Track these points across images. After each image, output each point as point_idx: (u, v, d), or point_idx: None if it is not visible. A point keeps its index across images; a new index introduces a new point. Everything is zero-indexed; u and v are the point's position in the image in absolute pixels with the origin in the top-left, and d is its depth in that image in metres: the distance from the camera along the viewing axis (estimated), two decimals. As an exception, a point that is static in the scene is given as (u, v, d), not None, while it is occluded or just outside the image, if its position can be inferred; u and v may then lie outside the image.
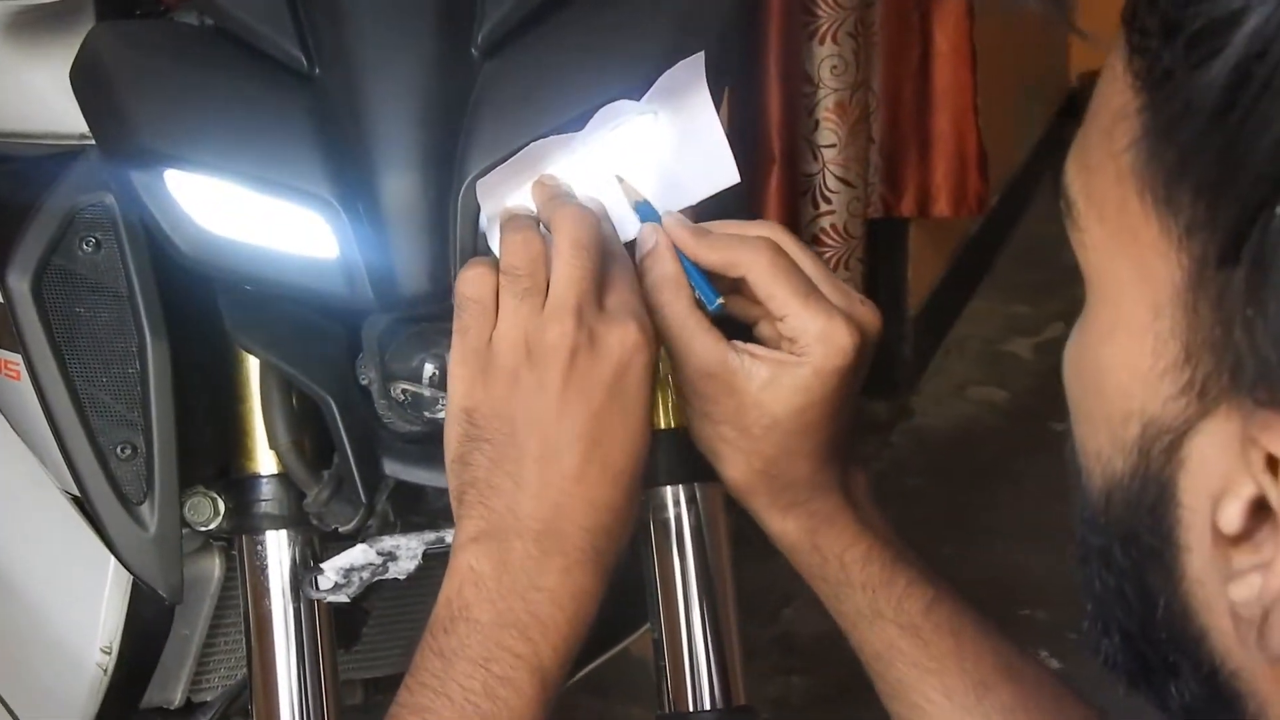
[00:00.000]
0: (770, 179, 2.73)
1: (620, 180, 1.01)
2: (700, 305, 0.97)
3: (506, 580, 0.86)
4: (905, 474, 3.26)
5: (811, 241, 2.80)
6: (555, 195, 0.97)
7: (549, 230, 0.95)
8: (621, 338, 0.90)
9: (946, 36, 3.20)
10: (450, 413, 0.91)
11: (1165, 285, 0.53)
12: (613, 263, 0.94)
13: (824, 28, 2.74)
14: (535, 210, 0.98)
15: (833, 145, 2.80)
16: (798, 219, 2.79)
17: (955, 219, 3.41)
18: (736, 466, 0.98)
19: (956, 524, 3.03)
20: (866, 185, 2.96)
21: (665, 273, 0.96)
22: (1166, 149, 0.52)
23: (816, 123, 2.79)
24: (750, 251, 0.96)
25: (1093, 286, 0.59)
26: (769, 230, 0.99)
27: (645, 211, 1.00)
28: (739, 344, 0.96)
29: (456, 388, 0.91)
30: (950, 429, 3.37)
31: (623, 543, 0.92)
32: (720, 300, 0.97)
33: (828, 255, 2.83)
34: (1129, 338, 0.55)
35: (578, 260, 0.91)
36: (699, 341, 0.95)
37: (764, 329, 0.99)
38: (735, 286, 0.98)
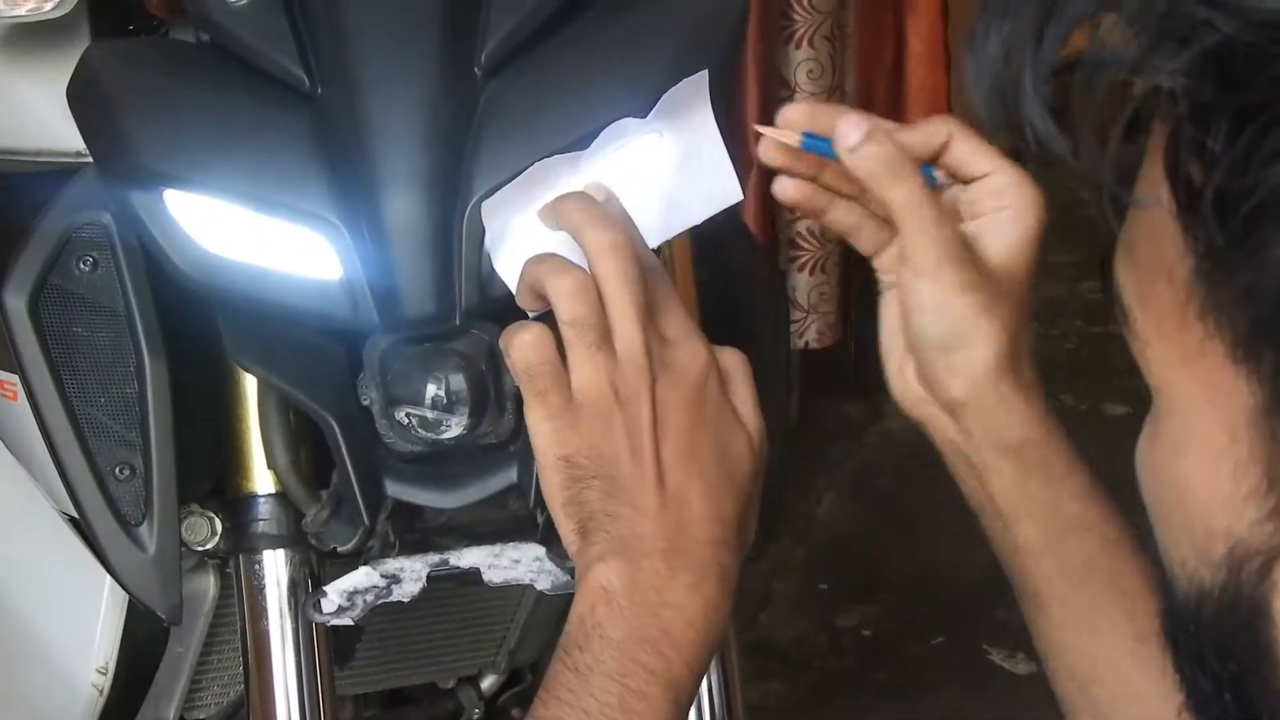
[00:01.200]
0: (748, 183, 2.72)
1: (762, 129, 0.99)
2: None
3: (638, 598, 0.87)
4: (877, 475, 3.26)
5: (788, 245, 2.80)
6: (585, 215, 0.95)
7: (578, 243, 0.94)
8: (691, 358, 0.92)
9: (920, 38, 3.20)
10: (546, 465, 0.91)
11: (1239, 408, 0.52)
12: (653, 279, 0.94)
13: (800, 32, 2.74)
14: (549, 228, 0.98)
15: (809, 149, 2.79)
16: (775, 222, 2.79)
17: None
18: (991, 340, 0.94)
19: (928, 525, 3.02)
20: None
21: (891, 153, 0.93)
22: (1236, 313, 0.51)
23: (793, 127, 2.78)
24: (940, 123, 0.96)
25: (1159, 394, 0.58)
26: (944, 118, 0.99)
27: (816, 145, 0.98)
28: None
29: (547, 439, 0.91)
30: (922, 431, 3.38)
31: (742, 555, 0.93)
32: (935, 172, 0.96)
33: (804, 259, 2.82)
34: (1205, 458, 0.55)
35: (631, 296, 0.91)
36: (936, 210, 0.93)
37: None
38: None
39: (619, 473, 0.90)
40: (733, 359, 0.95)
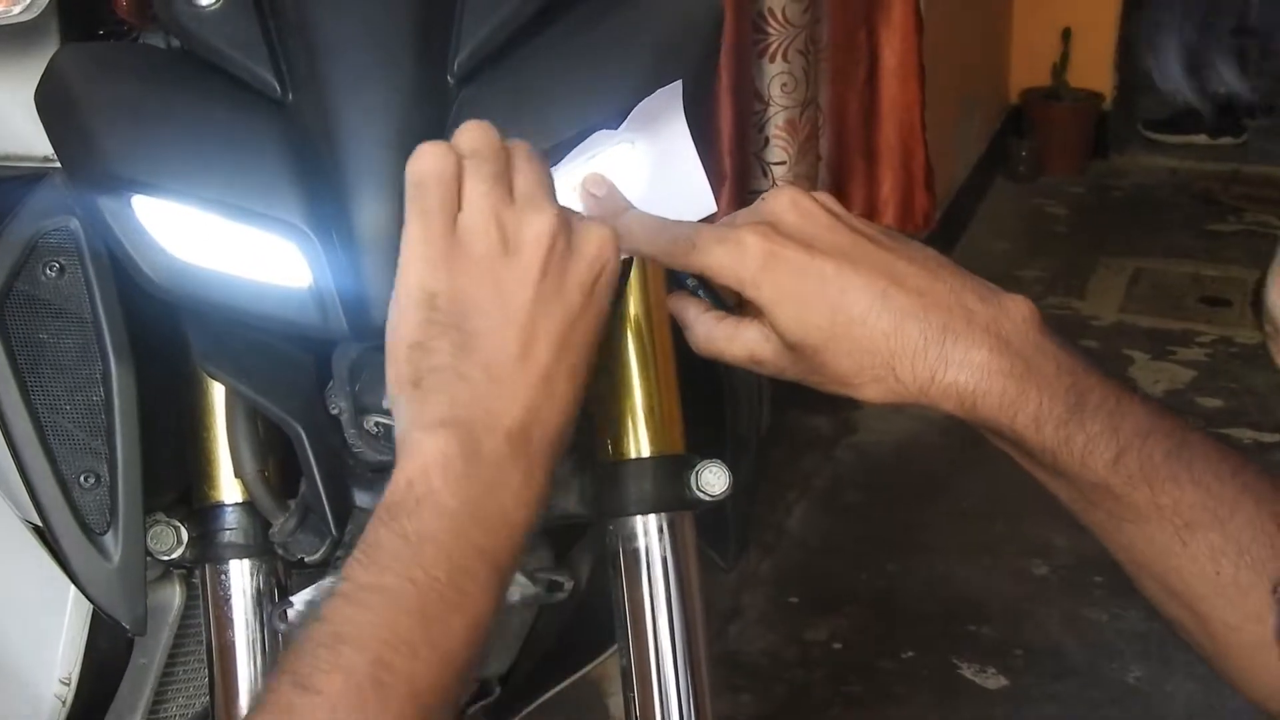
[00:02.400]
0: (720, 197, 2.72)
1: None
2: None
3: (475, 473, 0.83)
4: (847, 489, 3.26)
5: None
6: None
7: None
8: (600, 239, 0.88)
9: (894, 52, 3.21)
10: (406, 293, 0.86)
11: None
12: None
13: (774, 45, 2.74)
14: None
15: (783, 163, 2.79)
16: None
17: (900, 233, 3.42)
18: (859, 395, 0.92)
19: (898, 539, 3.03)
20: (815, 202, 2.95)
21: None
22: None
23: (767, 140, 2.78)
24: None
25: None
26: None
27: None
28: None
29: (417, 268, 0.86)
30: (892, 445, 3.38)
31: (562, 451, 0.89)
32: (690, 280, 0.96)
33: (776, 272, 2.83)
34: None
35: (539, 163, 0.89)
36: (724, 328, 0.94)
37: None
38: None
39: (483, 330, 0.85)
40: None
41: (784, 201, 0.92)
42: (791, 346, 0.91)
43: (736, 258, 0.90)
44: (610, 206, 0.97)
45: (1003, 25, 5.23)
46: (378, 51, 1.00)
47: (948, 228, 4.24)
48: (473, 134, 0.88)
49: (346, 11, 1.01)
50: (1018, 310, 0.92)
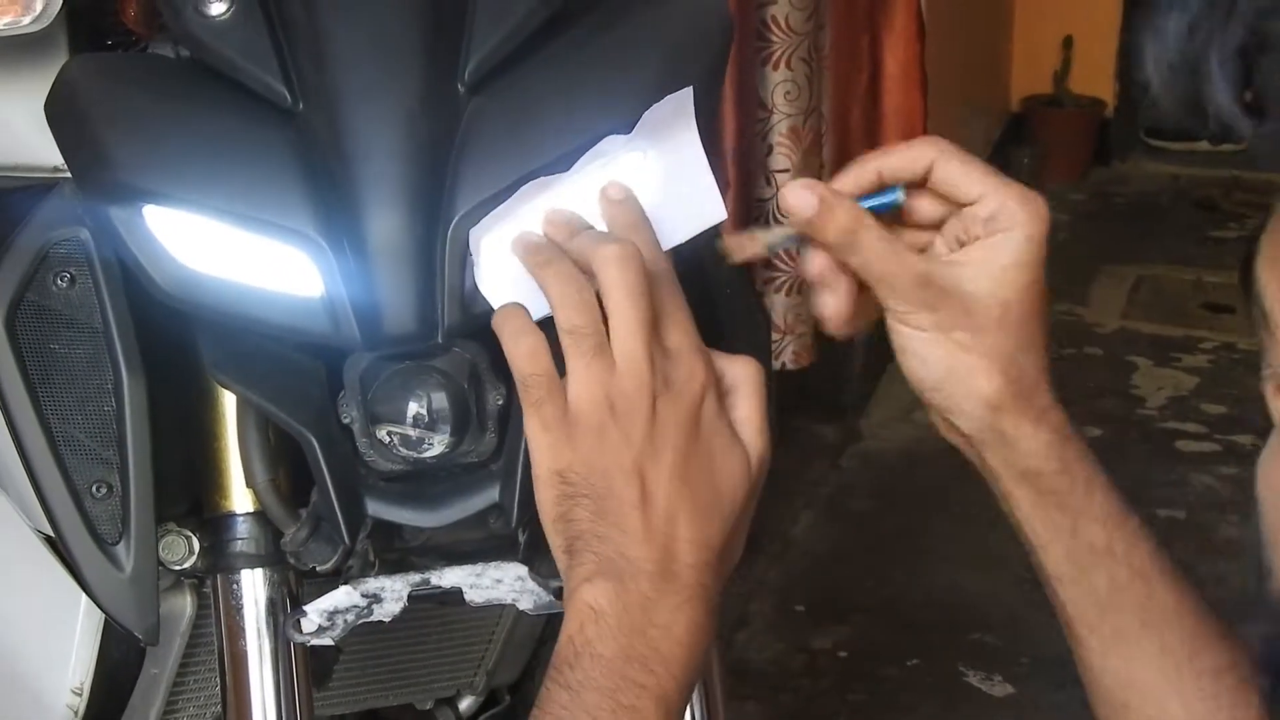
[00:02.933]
0: (726, 202, 2.72)
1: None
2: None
3: (625, 618, 0.88)
4: (853, 497, 3.27)
5: (765, 264, 2.80)
6: (586, 232, 0.97)
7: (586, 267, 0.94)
8: (690, 376, 0.92)
9: (896, 59, 3.22)
10: (540, 477, 0.92)
11: None
12: (660, 287, 0.94)
13: (777, 53, 2.74)
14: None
15: (786, 170, 2.80)
16: (751, 243, 2.79)
17: (903, 242, 3.42)
18: (980, 377, 0.95)
19: (904, 547, 3.04)
20: (819, 210, 2.95)
21: (848, 212, 0.94)
22: None
23: (770, 148, 2.79)
24: (926, 145, 0.96)
25: None
26: (930, 140, 0.99)
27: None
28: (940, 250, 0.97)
29: (543, 453, 0.92)
30: (898, 452, 3.38)
31: (727, 575, 0.93)
32: (900, 190, 0.96)
33: (780, 280, 2.83)
34: None
35: (635, 307, 0.91)
36: (908, 256, 0.94)
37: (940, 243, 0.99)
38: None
39: (610, 491, 0.90)
40: (744, 370, 0.96)
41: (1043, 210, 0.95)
42: (990, 296, 0.94)
43: (1036, 210, 0.93)
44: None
45: (1004, 33, 5.23)
46: (388, 61, 1.00)
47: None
48: (570, 310, 0.92)
49: (357, 21, 1.01)
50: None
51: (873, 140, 3.22)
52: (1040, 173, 5.04)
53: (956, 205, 0.96)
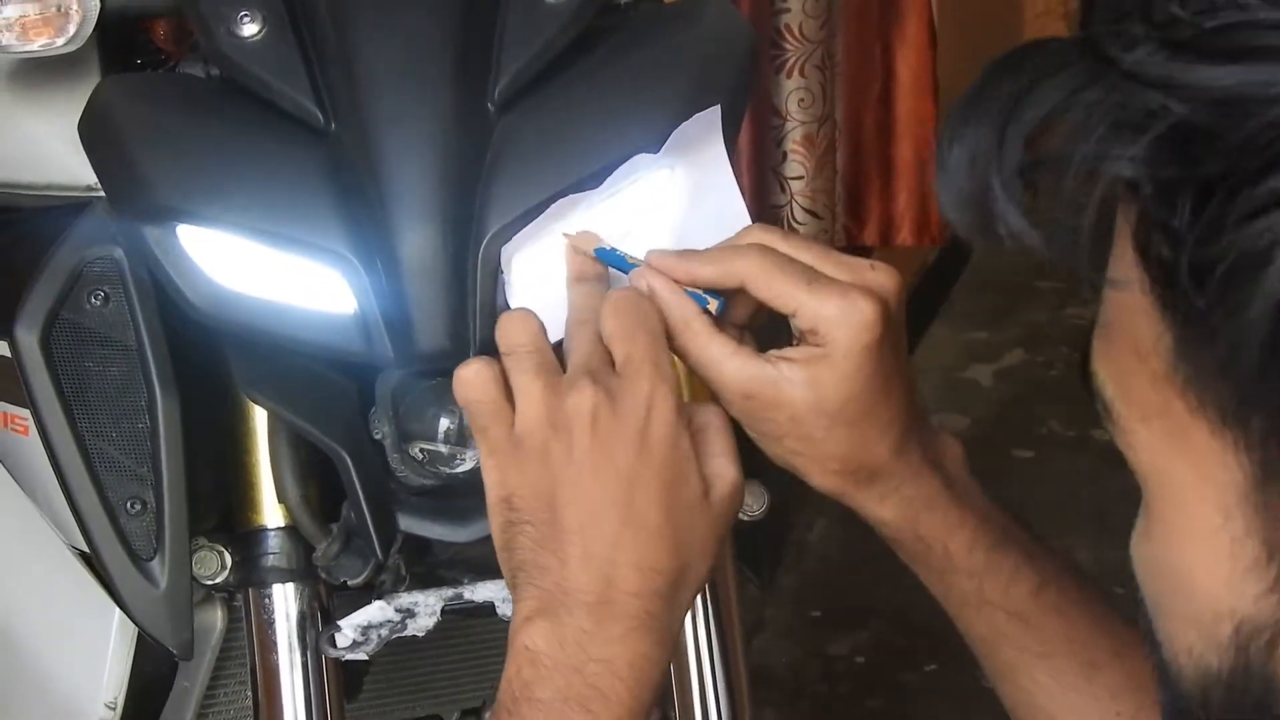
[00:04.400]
0: (746, 215, 2.73)
1: (569, 237, 1.00)
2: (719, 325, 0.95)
3: (562, 656, 0.85)
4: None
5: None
6: (576, 274, 0.98)
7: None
8: (635, 390, 0.87)
9: (909, 67, 3.23)
10: (490, 504, 0.90)
11: (1229, 486, 0.53)
12: (624, 310, 0.92)
13: (791, 61, 2.76)
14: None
15: (800, 177, 2.81)
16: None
17: (915, 247, 3.43)
18: (816, 476, 0.95)
19: (920, 552, 3.03)
20: (834, 217, 2.97)
21: (674, 313, 0.93)
22: (1219, 383, 0.52)
23: (784, 155, 2.80)
24: (740, 257, 0.93)
25: (1147, 485, 0.59)
26: (759, 233, 0.96)
27: (612, 258, 0.98)
28: (771, 353, 0.93)
29: (490, 478, 0.89)
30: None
31: (683, 603, 0.89)
32: (719, 301, 0.94)
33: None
34: (1200, 541, 0.55)
35: (582, 333, 0.91)
36: (729, 365, 0.92)
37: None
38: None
39: (551, 516, 0.87)
40: (712, 413, 0.92)
41: (896, 285, 0.93)
42: (811, 411, 0.92)
43: (854, 322, 0.90)
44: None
45: (1015, 38, 5.23)
46: (419, 80, 1.01)
47: (961, 240, 4.24)
48: (509, 329, 0.91)
49: (387, 41, 1.02)
50: (955, 449, 0.99)
51: (886, 147, 3.23)
52: (1051, 177, 5.04)
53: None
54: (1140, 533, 0.61)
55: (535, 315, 0.92)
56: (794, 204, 2.82)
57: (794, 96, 2.78)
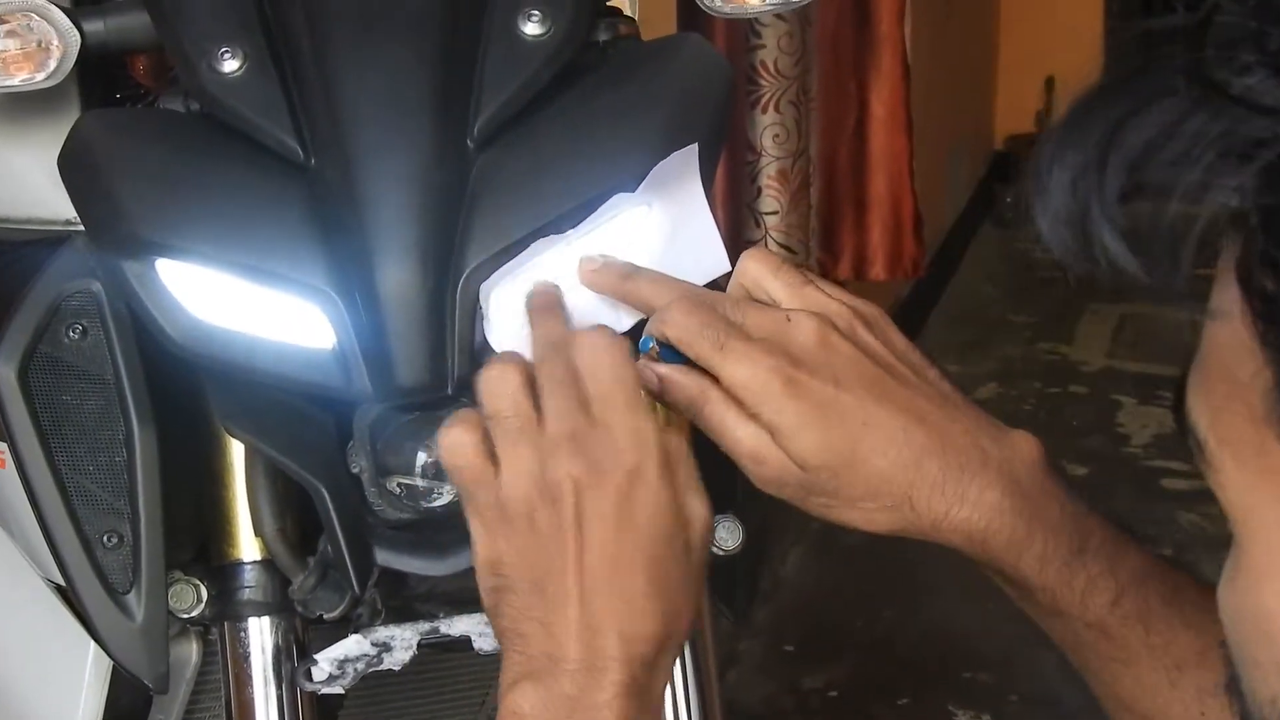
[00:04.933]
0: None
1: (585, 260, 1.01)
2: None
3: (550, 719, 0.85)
4: (843, 534, 3.26)
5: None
6: (539, 312, 0.98)
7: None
8: (615, 457, 0.87)
9: (883, 102, 3.25)
10: (478, 567, 0.89)
11: None
12: (599, 366, 0.90)
13: (766, 97, 2.77)
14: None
15: (775, 212, 2.82)
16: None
17: (889, 281, 3.45)
18: (860, 523, 0.93)
19: (897, 583, 3.04)
20: (808, 252, 2.98)
21: (688, 397, 0.93)
22: None
23: (759, 190, 2.81)
24: (660, 317, 0.94)
25: (1239, 526, 0.58)
26: (755, 259, 0.97)
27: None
28: None
29: (478, 543, 0.89)
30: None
31: (667, 666, 0.89)
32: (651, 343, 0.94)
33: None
34: None
35: (559, 393, 0.89)
36: (740, 432, 0.92)
37: None
38: None
39: (537, 585, 0.87)
40: (674, 440, 0.90)
41: (809, 332, 0.92)
42: (804, 466, 0.91)
43: (761, 383, 0.90)
44: (611, 276, 0.99)
45: (987, 74, 5.28)
46: (399, 117, 1.02)
47: (935, 273, 4.27)
48: (490, 389, 0.90)
49: (368, 77, 1.03)
50: (1028, 451, 0.94)
51: (860, 181, 3.25)
52: (1025, 211, 5.06)
53: None
54: (1228, 579, 0.59)
55: (515, 369, 0.90)
56: (769, 239, 2.84)
57: (769, 132, 2.79)
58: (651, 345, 0.94)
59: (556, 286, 1.00)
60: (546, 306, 0.98)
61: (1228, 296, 0.54)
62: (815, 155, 3.08)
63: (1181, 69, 0.52)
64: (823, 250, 3.22)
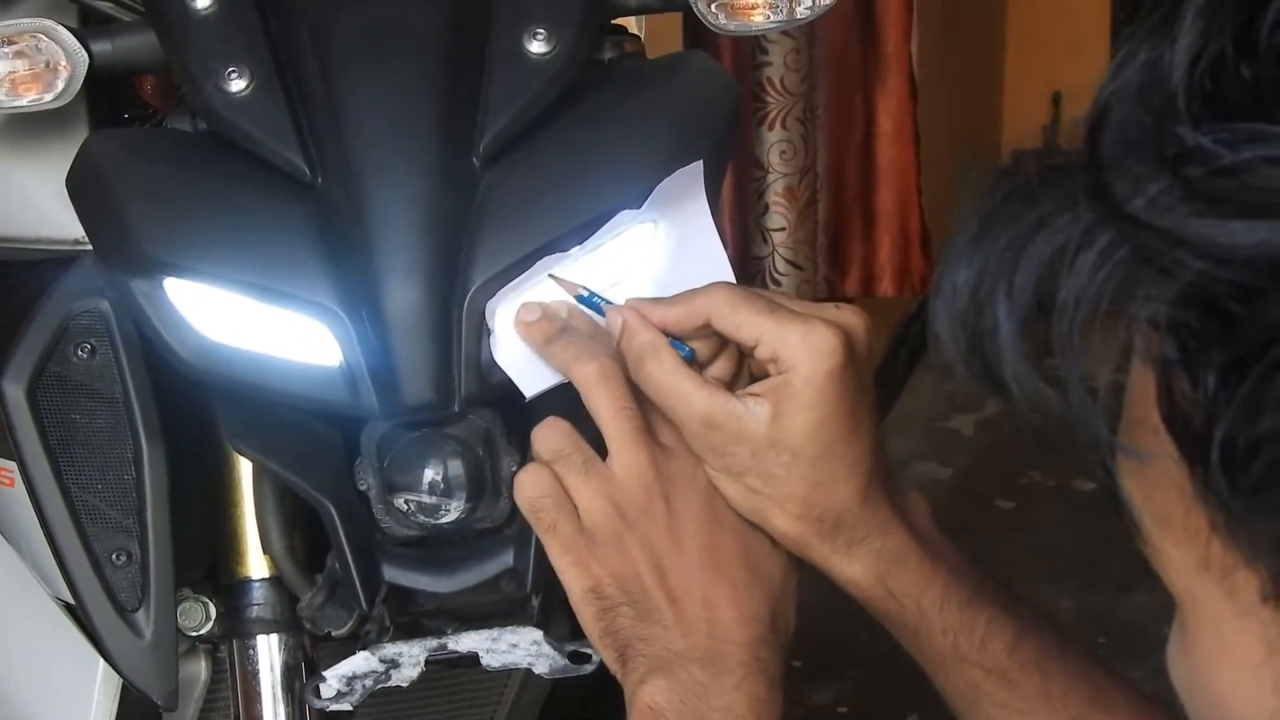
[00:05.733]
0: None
1: (555, 278, 1.01)
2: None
3: (685, 709, 0.89)
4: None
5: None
6: (569, 352, 0.98)
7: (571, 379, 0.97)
8: (695, 469, 0.94)
9: (890, 117, 3.25)
10: (575, 599, 0.94)
11: (1273, 622, 0.49)
12: (649, 389, 0.94)
13: (773, 114, 2.78)
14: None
15: (782, 229, 2.83)
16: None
17: (896, 298, 3.45)
18: (778, 519, 0.93)
19: (903, 601, 3.04)
20: (815, 268, 2.99)
21: (643, 342, 0.93)
22: (1263, 560, 0.47)
23: (766, 206, 2.82)
24: (705, 295, 0.94)
25: (1187, 610, 0.54)
26: (706, 292, 0.97)
27: (589, 303, 1.00)
28: (740, 391, 0.94)
29: (569, 575, 0.94)
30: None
31: (783, 645, 0.94)
32: (687, 351, 0.95)
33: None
34: (1242, 674, 0.51)
35: (623, 421, 0.93)
36: (695, 395, 0.92)
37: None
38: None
39: (644, 594, 0.91)
40: None
41: (863, 324, 0.93)
42: (774, 442, 0.91)
43: (814, 347, 0.90)
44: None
45: (995, 89, 5.27)
46: (405, 135, 1.02)
47: (943, 289, 4.26)
48: (546, 438, 0.95)
49: (375, 97, 1.03)
50: (922, 505, 0.99)
51: (868, 197, 3.25)
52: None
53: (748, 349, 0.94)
54: (1177, 647, 0.56)
55: (560, 420, 0.96)
56: (776, 255, 2.84)
57: (775, 149, 2.80)
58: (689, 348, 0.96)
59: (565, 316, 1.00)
60: (563, 341, 0.99)
61: (1146, 426, 0.50)
62: (822, 171, 3.08)
63: (1081, 185, 0.48)
64: (830, 267, 3.23)
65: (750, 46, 2.74)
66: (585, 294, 1.00)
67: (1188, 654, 0.55)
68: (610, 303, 0.98)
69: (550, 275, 1.01)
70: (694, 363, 0.96)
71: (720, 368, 0.98)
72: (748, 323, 0.92)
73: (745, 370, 0.98)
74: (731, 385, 0.97)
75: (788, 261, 2.85)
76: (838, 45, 3.15)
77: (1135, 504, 0.53)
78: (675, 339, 0.95)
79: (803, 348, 0.90)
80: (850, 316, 0.93)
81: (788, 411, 0.90)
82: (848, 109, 3.19)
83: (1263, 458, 0.44)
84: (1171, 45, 0.46)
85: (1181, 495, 0.48)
